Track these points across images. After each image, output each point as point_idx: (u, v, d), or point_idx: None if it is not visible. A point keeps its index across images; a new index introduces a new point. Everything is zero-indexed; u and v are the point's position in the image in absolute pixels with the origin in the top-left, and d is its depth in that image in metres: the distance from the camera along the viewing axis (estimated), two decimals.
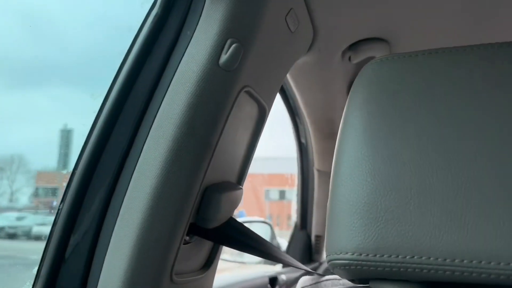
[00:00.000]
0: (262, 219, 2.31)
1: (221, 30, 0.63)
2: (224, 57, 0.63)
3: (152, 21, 0.68)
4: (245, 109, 0.76)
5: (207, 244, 0.78)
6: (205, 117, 0.63)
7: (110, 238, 0.62)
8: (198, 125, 0.63)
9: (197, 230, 0.70)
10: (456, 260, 0.39)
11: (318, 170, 1.72)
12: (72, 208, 0.65)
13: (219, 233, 0.73)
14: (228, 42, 0.63)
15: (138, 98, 0.67)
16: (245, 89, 0.70)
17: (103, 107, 0.68)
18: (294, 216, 1.96)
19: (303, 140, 1.70)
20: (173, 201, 0.62)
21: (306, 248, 1.92)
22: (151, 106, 0.66)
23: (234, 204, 0.76)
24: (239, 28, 0.64)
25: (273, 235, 1.94)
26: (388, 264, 0.41)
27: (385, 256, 0.41)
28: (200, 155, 0.64)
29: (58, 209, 0.66)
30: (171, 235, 0.63)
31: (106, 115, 0.66)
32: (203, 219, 0.69)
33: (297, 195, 1.86)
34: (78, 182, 0.65)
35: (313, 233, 1.94)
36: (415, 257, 0.40)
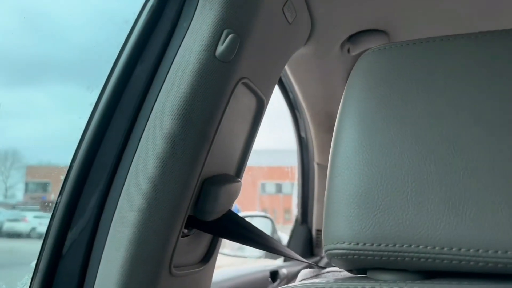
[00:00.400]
0: (263, 213, 2.31)
1: (217, 21, 0.63)
2: (220, 48, 0.63)
3: (148, 13, 0.68)
4: (243, 101, 0.75)
5: (206, 237, 0.78)
6: (202, 108, 0.63)
7: (108, 231, 0.62)
8: (195, 117, 0.62)
9: (195, 222, 0.70)
10: (454, 249, 0.38)
11: (319, 164, 1.71)
12: (70, 201, 0.64)
13: (218, 225, 0.73)
14: (225, 33, 0.63)
15: (134, 90, 0.66)
16: (243, 80, 0.69)
17: (100, 100, 0.68)
18: (292, 210, 1.96)
19: (303, 134, 1.70)
20: (171, 194, 0.62)
21: (307, 243, 1.92)
22: (147, 99, 0.65)
23: (233, 196, 0.76)
24: (236, 19, 0.64)
25: (274, 230, 1.94)
26: (386, 253, 0.40)
27: (382, 245, 0.40)
28: (197, 147, 0.64)
29: (56, 203, 0.66)
30: (169, 227, 0.63)
31: (103, 108, 0.66)
32: (202, 211, 0.69)
33: (298, 189, 1.86)
34: (75, 176, 0.65)
35: (314, 227, 1.94)
36: (413, 246, 0.40)
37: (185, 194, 0.64)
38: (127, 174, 0.63)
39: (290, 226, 1.97)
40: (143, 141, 0.63)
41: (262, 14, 0.68)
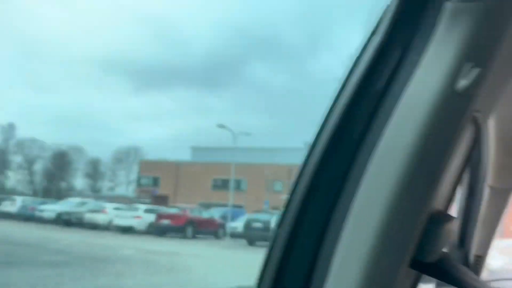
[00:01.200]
0: None
1: (458, 54, 0.59)
2: (460, 83, 0.59)
3: (373, 48, 0.67)
4: (466, 135, 0.70)
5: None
6: (435, 145, 0.60)
7: (332, 266, 0.63)
8: (427, 154, 0.60)
9: (415, 263, 0.67)
10: None
11: (492, 187, 1.54)
12: (290, 236, 0.67)
13: (437, 268, 0.69)
14: (466, 66, 0.59)
15: (356, 124, 0.67)
16: (475, 114, 0.65)
17: (319, 135, 0.69)
18: None
19: (478, 154, 1.54)
20: (400, 234, 0.60)
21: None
22: (370, 134, 0.65)
23: (450, 235, 0.71)
24: (478, 52, 0.60)
25: None
26: None
27: None
28: (426, 186, 0.61)
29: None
30: (396, 267, 0.61)
31: (323, 144, 0.67)
32: (423, 251, 0.66)
33: (459, 210, 1.70)
34: (297, 204, 0.68)
35: (473, 252, 1.77)
36: None
37: (412, 234, 0.62)
38: (351, 211, 0.62)
39: None
40: (369, 179, 0.62)
41: (505, 44, 0.62)
